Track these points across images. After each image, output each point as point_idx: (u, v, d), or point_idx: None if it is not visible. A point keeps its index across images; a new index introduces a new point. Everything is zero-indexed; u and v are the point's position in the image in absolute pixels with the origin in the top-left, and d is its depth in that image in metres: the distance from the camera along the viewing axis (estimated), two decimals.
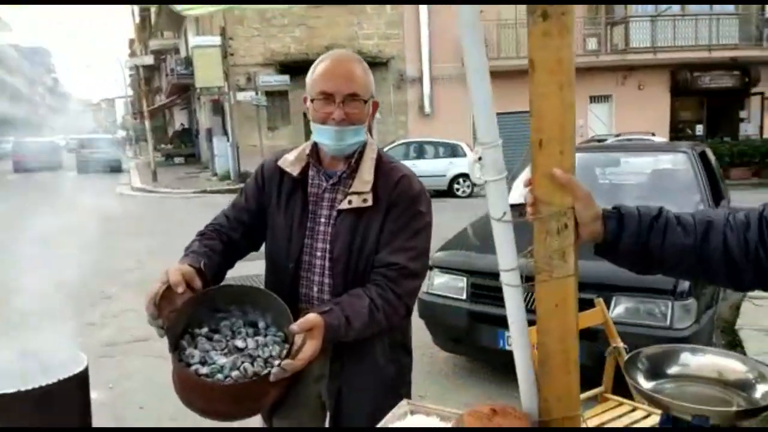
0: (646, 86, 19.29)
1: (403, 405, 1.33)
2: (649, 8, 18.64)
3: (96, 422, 3.18)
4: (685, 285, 2.96)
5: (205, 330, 1.41)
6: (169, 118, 34.57)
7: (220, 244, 1.59)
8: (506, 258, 1.13)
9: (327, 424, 1.68)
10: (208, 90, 18.35)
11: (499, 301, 3.45)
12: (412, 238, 1.51)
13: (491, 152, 1.06)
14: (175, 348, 1.35)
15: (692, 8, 18.54)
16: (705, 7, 18.40)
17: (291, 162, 1.60)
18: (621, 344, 2.36)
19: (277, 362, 1.33)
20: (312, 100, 1.50)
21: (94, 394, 3.59)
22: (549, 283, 1.14)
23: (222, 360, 1.34)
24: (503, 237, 1.12)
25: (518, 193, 4.40)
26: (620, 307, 3.02)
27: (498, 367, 3.78)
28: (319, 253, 1.56)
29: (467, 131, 17.28)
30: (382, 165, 1.56)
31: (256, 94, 16.88)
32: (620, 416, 2.29)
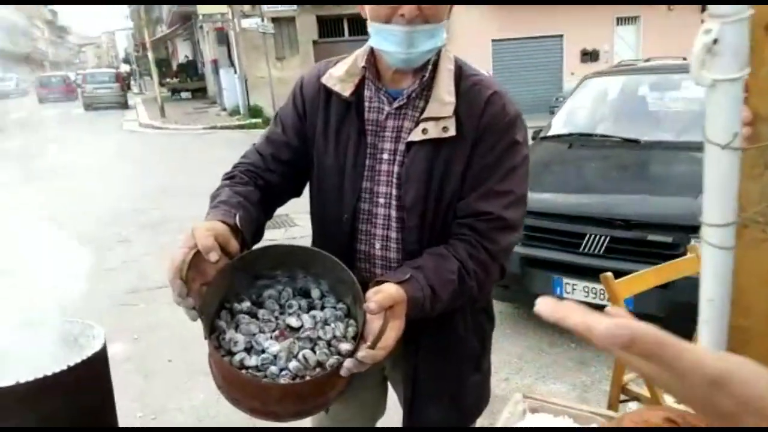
0: (677, 7, 18.04)
1: (518, 400, 1.02)
2: None
3: (123, 378, 2.97)
4: None
5: (246, 304, 1.08)
6: (173, 50, 33.37)
7: (256, 191, 1.21)
8: (720, 206, 0.75)
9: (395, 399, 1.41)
10: (210, 17, 17.45)
11: (556, 244, 3.07)
12: (507, 179, 1.15)
13: (734, 30, 0.64)
14: (212, 331, 1.04)
15: None
16: None
17: (340, 78, 1.20)
18: None
19: (344, 346, 1.03)
20: None
21: (119, 347, 3.39)
22: (763, 242, 0.79)
23: (274, 346, 1.03)
24: (724, 173, 0.72)
25: (561, 123, 3.98)
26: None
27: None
28: (382, 200, 1.21)
29: (487, 59, 16.44)
30: (464, 80, 1.17)
31: (262, 20, 16.00)
32: None
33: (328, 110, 1.23)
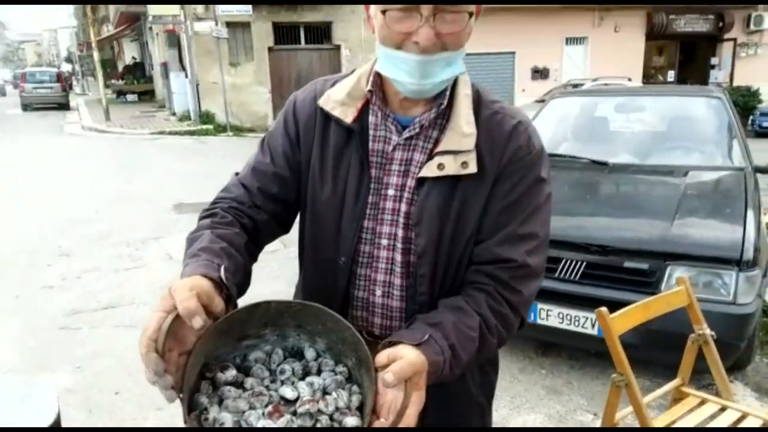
0: (622, 28, 18.82)
1: None
2: None
3: (65, 413, 2.67)
4: (750, 253, 2.60)
5: (231, 373, 0.92)
6: (119, 51, 32.10)
7: (242, 233, 1.04)
8: None
9: None
10: (161, 19, 16.79)
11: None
12: (530, 221, 1.03)
13: None
14: (190, 408, 0.86)
15: None
16: None
17: (340, 101, 1.07)
18: (709, 331, 2.00)
19: (350, 420, 0.88)
20: (383, 12, 0.93)
21: (59, 377, 3.07)
22: None
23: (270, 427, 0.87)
24: None
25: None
26: (674, 279, 2.66)
27: (527, 343, 3.40)
28: (385, 242, 1.07)
29: None
30: (484, 108, 1.05)
31: (216, 24, 15.54)
32: (708, 419, 1.94)
33: (326, 137, 1.09)
